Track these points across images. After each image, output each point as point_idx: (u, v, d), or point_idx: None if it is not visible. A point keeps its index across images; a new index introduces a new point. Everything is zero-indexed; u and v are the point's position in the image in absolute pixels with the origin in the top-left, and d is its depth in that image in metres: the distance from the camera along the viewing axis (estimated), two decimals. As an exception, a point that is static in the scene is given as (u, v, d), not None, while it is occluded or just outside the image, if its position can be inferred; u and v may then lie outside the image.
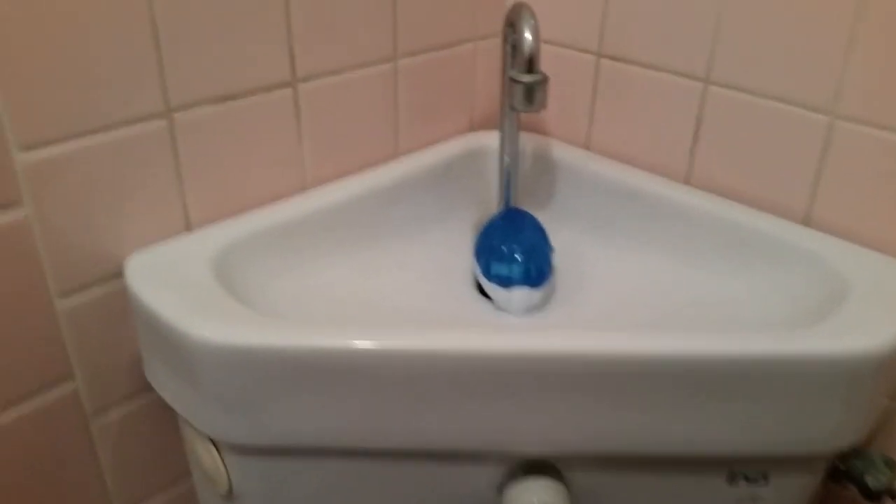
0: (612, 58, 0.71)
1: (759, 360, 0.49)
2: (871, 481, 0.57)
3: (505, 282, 0.65)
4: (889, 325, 0.51)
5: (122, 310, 0.56)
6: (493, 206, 0.73)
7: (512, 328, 0.63)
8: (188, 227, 0.59)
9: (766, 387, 0.50)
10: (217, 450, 0.54)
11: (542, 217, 0.70)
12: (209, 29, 0.54)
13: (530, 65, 0.57)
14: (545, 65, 0.74)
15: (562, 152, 0.75)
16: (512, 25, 0.59)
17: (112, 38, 0.50)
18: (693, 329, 0.56)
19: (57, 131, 0.49)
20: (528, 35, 0.57)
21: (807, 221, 0.64)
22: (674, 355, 0.49)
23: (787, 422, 0.51)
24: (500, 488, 0.55)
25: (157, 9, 0.51)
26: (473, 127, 0.79)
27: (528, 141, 0.75)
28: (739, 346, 0.50)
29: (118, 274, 0.55)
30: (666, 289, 0.66)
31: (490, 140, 0.75)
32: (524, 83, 0.58)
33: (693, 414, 0.51)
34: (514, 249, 0.66)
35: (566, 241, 0.71)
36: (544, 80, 0.58)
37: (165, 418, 0.62)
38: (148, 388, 0.59)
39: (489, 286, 0.66)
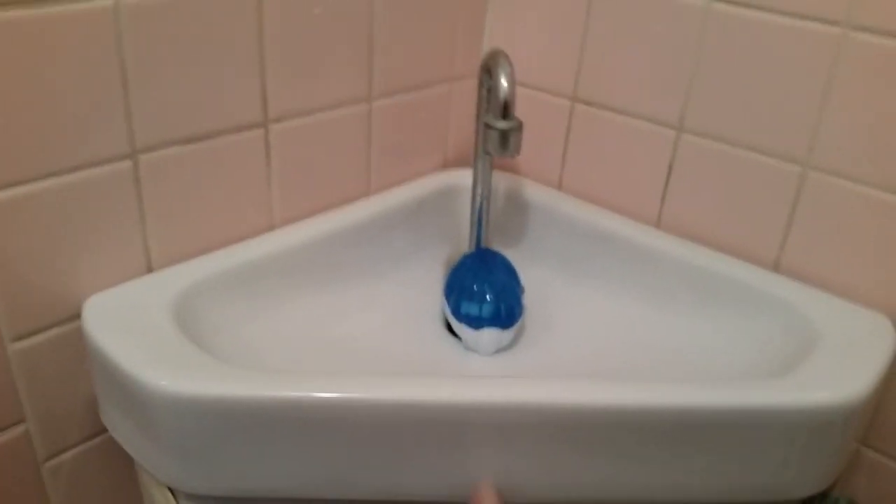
0: (587, 102, 0.71)
1: (726, 411, 0.49)
2: (835, 525, 0.57)
3: (474, 321, 0.64)
4: (858, 375, 0.52)
5: (78, 352, 0.54)
6: (464, 244, 0.73)
7: (478, 374, 0.63)
8: (149, 268, 0.57)
9: (734, 437, 0.50)
10: (175, 498, 0.53)
11: (513, 256, 0.70)
12: (179, 69, 0.53)
13: (505, 111, 0.57)
14: (520, 105, 0.73)
15: (534, 192, 0.75)
16: (488, 71, 0.59)
17: (78, 78, 0.48)
18: (659, 380, 0.56)
19: (17, 173, 0.48)
20: (503, 82, 0.57)
21: (777, 268, 0.64)
22: (639, 406, 0.49)
23: (754, 471, 0.51)
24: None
25: (126, 48, 0.50)
26: (447, 164, 0.78)
27: (500, 180, 0.75)
28: (707, 397, 0.49)
29: (75, 316, 0.53)
30: (635, 332, 0.66)
31: (463, 178, 0.75)
32: (499, 129, 0.57)
33: (659, 463, 0.51)
34: (484, 289, 0.65)
35: (536, 281, 0.70)
36: (519, 127, 0.58)
37: (120, 462, 0.60)
38: (102, 430, 0.58)
39: (458, 326, 0.65)
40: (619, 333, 0.66)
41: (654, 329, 0.65)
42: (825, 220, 0.60)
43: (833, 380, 0.51)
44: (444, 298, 0.68)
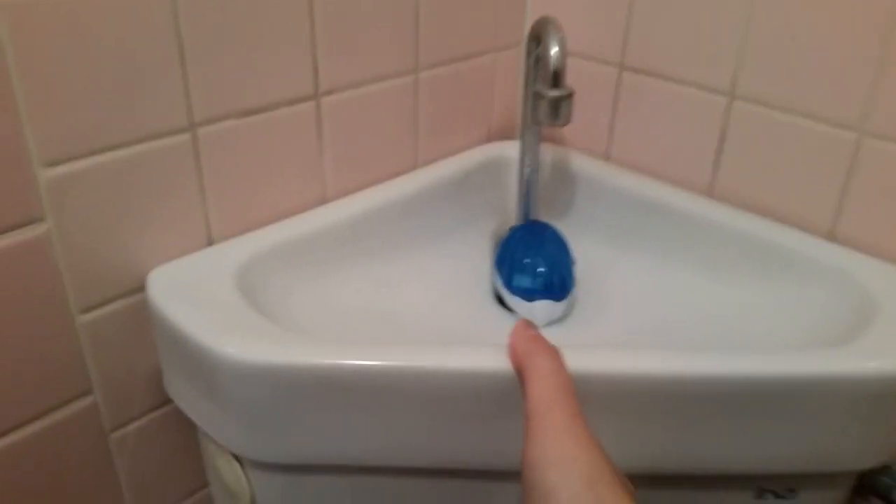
0: (635, 70, 0.70)
1: (787, 380, 0.49)
2: (898, 498, 0.57)
3: (527, 294, 0.64)
4: (918, 344, 0.51)
5: (142, 324, 0.56)
6: (511, 217, 0.73)
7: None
8: (210, 241, 0.58)
9: (795, 407, 0.49)
10: (240, 465, 0.54)
11: (562, 228, 0.70)
12: (234, 44, 0.54)
13: (556, 79, 0.57)
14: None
15: (581, 163, 0.74)
16: (537, 39, 0.59)
17: (136, 53, 0.49)
18: (720, 349, 0.56)
19: (80, 147, 0.49)
20: (555, 50, 0.56)
21: (832, 236, 0.63)
22: (701, 376, 0.48)
23: (814, 441, 0.51)
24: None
25: (183, 24, 0.50)
26: (491, 137, 0.78)
27: (546, 151, 0.74)
28: (768, 366, 0.49)
29: (139, 289, 0.54)
30: (688, 303, 0.65)
31: (508, 150, 0.75)
32: (550, 97, 0.57)
33: (721, 433, 0.50)
34: (536, 262, 0.65)
35: (586, 253, 0.70)
36: (570, 95, 0.58)
37: (183, 431, 0.62)
38: (166, 401, 0.59)
39: (511, 298, 0.65)
40: (672, 304, 0.66)
41: (708, 299, 0.65)
42: (881, 187, 0.59)
43: (893, 348, 0.50)
44: (495, 270, 0.68)
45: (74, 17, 0.46)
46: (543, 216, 0.73)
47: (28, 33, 0.44)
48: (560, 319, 0.65)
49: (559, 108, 0.58)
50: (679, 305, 0.65)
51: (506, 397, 0.47)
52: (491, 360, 0.47)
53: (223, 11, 0.52)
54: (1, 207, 0.46)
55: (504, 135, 0.79)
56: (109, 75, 0.48)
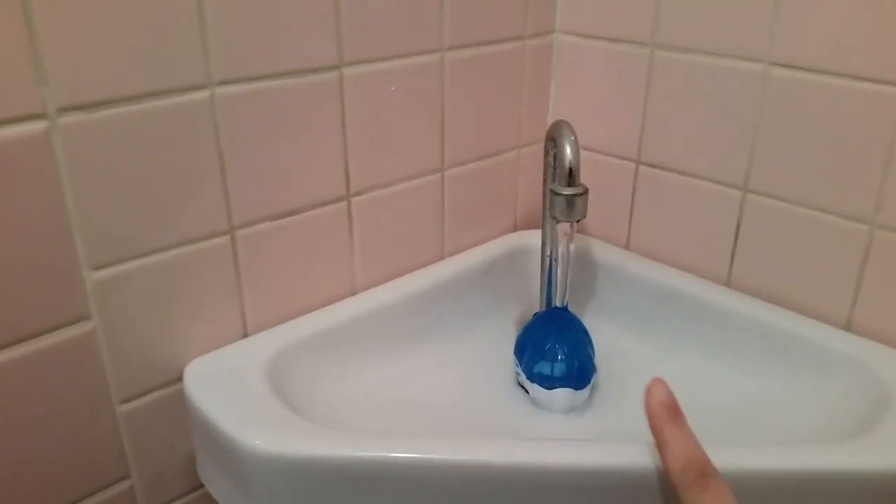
0: (651, 165, 0.73)
1: (803, 474, 0.49)
2: None
3: (546, 381, 0.66)
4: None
5: (179, 412, 0.59)
6: (535, 303, 0.75)
7: (552, 435, 0.64)
8: (245, 333, 0.61)
9: (811, 501, 0.50)
10: (266, 552, 0.56)
11: (583, 315, 0.71)
12: (271, 152, 0.58)
13: (571, 178, 0.60)
14: (586, 168, 0.76)
15: (602, 252, 0.77)
16: (553, 141, 0.62)
17: (179, 164, 0.53)
18: (736, 443, 0.56)
19: (125, 251, 0.53)
20: (568, 151, 0.60)
21: (848, 326, 0.64)
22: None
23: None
24: None
25: (223, 135, 0.55)
26: (517, 226, 0.81)
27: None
28: (784, 461, 0.49)
29: (178, 379, 0.58)
30: (707, 392, 0.66)
31: (533, 238, 0.77)
32: (565, 195, 0.60)
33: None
34: (556, 348, 0.66)
35: (607, 340, 0.72)
36: (584, 193, 0.60)
37: (215, 516, 0.64)
38: (199, 486, 0.61)
39: (531, 386, 0.67)
40: (691, 392, 0.65)
41: (726, 387, 0.65)
42: (894, 277, 0.60)
43: (910, 440, 0.51)
44: (515, 358, 0.70)
45: (121, 131, 0.50)
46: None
47: (79, 147, 0.48)
48: (580, 406, 0.66)
49: (574, 205, 0.61)
50: (698, 394, 0.65)
51: (528, 489, 0.48)
52: (514, 453, 0.49)
53: (259, 124, 0.56)
54: (51, 307, 0.50)
55: (530, 223, 0.82)
56: (153, 185, 0.53)
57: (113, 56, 0.48)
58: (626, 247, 0.78)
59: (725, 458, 0.49)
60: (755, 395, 0.64)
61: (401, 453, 0.49)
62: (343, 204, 0.64)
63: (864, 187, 0.60)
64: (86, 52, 0.47)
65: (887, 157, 0.59)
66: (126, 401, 0.56)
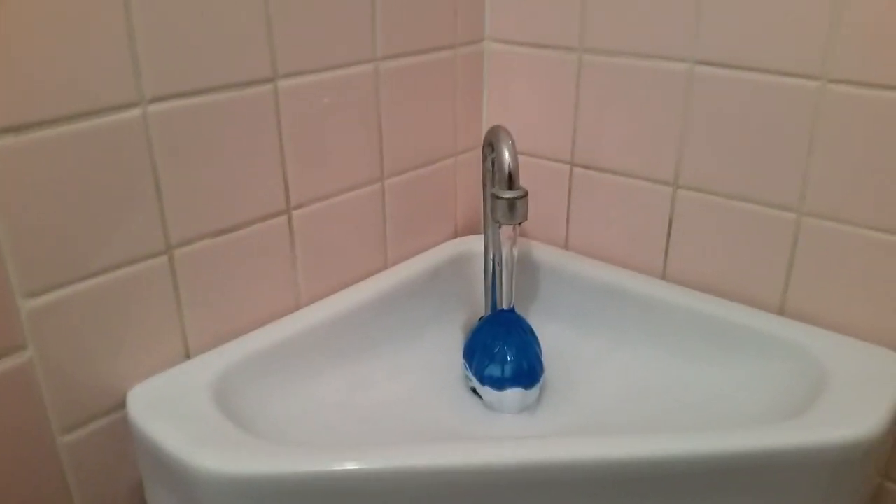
0: (585, 166, 0.75)
1: (748, 455, 0.51)
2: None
3: (497, 383, 0.66)
4: (873, 410, 0.53)
5: (123, 440, 0.57)
6: (481, 307, 0.75)
7: (505, 435, 0.64)
8: (188, 354, 0.60)
9: (757, 481, 0.51)
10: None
11: (528, 316, 0.72)
12: (207, 169, 0.57)
13: (511, 182, 0.61)
14: (522, 171, 0.77)
15: (542, 254, 0.78)
16: (491, 146, 0.63)
17: (112, 185, 0.52)
18: (679, 427, 0.58)
19: (59, 277, 0.51)
20: (507, 155, 0.61)
21: (782, 311, 0.66)
22: (662, 457, 0.50)
23: (781, 513, 0.53)
24: None
25: (157, 153, 0.54)
26: (458, 232, 0.82)
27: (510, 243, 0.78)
28: (728, 443, 0.51)
29: (120, 406, 0.56)
30: (652, 382, 0.68)
31: (475, 243, 0.78)
32: (506, 199, 0.61)
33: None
34: (505, 351, 0.67)
35: (552, 339, 0.73)
36: (525, 195, 0.61)
37: (167, 545, 0.62)
38: (149, 515, 0.60)
39: (482, 389, 0.67)
40: (637, 384, 0.68)
41: (670, 376, 0.67)
42: (823, 261, 0.63)
43: (849, 416, 0.53)
44: (464, 362, 0.70)
45: (51, 153, 0.49)
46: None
47: (7, 171, 0.47)
48: (530, 406, 0.67)
49: (515, 208, 0.62)
50: (643, 385, 0.68)
51: (480, 491, 0.48)
52: (467, 455, 0.49)
53: (195, 140, 0.56)
54: (-16, 339, 0.48)
55: (470, 229, 0.83)
56: (87, 207, 0.51)
57: (42, 76, 0.47)
58: (565, 247, 0.79)
59: (676, 442, 0.51)
60: (698, 382, 0.66)
61: (355, 465, 0.49)
62: (283, 218, 0.63)
63: (789, 177, 0.63)
64: (17, 73, 0.46)
65: (809, 147, 0.61)
66: (67, 431, 0.54)
